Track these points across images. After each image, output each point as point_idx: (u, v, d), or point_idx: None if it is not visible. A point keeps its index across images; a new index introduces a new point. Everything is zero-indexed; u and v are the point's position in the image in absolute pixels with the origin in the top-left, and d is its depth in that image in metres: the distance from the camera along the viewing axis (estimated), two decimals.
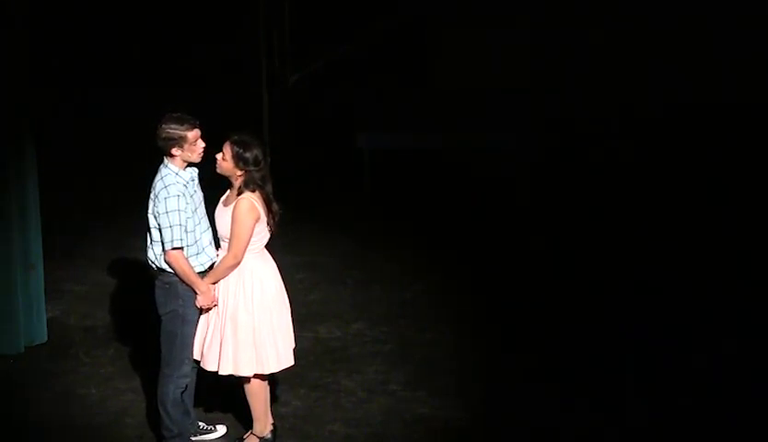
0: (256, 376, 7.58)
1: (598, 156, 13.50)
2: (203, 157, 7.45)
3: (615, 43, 14.27)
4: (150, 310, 7.69)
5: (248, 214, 7.36)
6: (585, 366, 8.94)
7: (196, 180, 7.52)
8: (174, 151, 7.35)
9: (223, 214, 7.47)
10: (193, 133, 7.36)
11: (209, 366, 7.55)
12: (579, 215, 12.30)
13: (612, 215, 12.17)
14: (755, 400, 8.38)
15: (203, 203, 7.55)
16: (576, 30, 14.35)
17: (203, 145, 7.41)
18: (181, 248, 7.32)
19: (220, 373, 7.53)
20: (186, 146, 7.34)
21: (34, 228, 9.27)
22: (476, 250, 11.53)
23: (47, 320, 9.51)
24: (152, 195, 7.39)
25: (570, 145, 13.66)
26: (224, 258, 7.45)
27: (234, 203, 7.40)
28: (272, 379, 7.79)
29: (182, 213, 7.29)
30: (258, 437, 7.75)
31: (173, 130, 7.32)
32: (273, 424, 7.80)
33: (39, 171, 9.31)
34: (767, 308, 9.86)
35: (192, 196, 7.40)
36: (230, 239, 7.40)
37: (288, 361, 7.67)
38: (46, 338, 9.45)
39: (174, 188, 7.30)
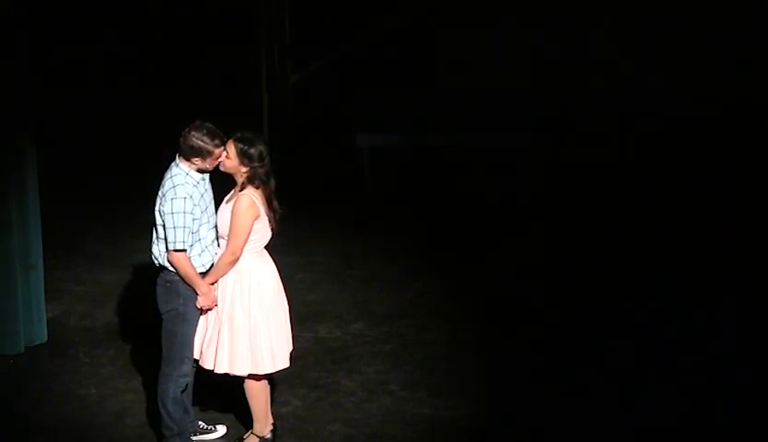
0: (255, 376, 7.58)
1: (598, 156, 13.49)
2: None
3: (616, 43, 14.26)
4: (150, 311, 7.70)
5: (247, 210, 7.36)
6: (585, 366, 8.94)
7: (207, 179, 7.51)
8: (194, 160, 7.34)
9: (224, 211, 7.47)
10: (219, 151, 7.36)
11: (206, 364, 7.56)
12: (580, 214, 12.29)
13: (613, 215, 12.16)
14: (756, 399, 8.38)
15: (212, 202, 7.55)
16: (576, 30, 14.34)
17: (220, 159, 7.43)
18: (184, 250, 7.32)
19: (216, 371, 7.53)
20: (208, 160, 7.35)
21: (34, 228, 9.27)
22: (476, 249, 11.52)
23: (47, 320, 9.50)
24: (160, 193, 7.38)
25: (570, 144, 13.65)
26: (222, 255, 7.44)
27: (234, 200, 7.41)
28: (271, 380, 7.79)
29: (188, 215, 7.28)
30: (258, 437, 7.75)
31: (203, 143, 7.30)
32: (274, 423, 7.80)
33: (39, 171, 9.30)
34: (767, 306, 9.88)
35: (202, 195, 7.39)
36: (229, 235, 7.39)
37: (284, 363, 7.66)
38: (46, 338, 9.45)
39: (182, 189, 7.29)
